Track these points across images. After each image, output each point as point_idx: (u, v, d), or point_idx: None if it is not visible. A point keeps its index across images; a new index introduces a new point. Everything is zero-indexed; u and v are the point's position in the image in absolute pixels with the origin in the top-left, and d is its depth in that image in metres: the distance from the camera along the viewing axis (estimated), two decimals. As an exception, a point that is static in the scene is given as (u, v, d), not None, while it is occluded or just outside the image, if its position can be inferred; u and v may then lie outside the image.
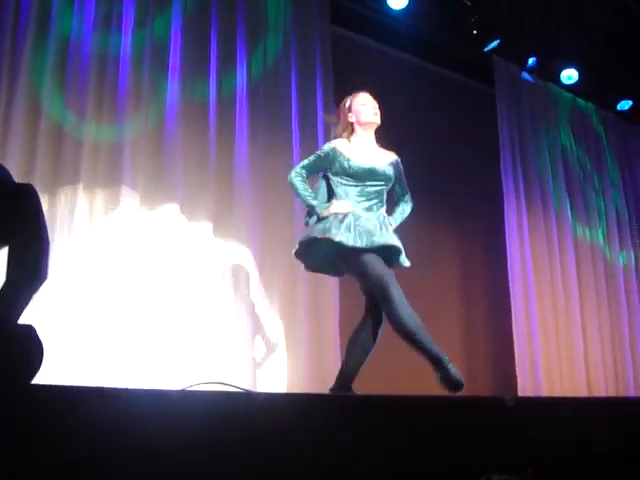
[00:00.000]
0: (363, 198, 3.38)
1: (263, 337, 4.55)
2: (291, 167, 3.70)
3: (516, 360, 5.65)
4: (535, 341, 5.86)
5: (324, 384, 3.61)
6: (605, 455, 3.32)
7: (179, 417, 1.83)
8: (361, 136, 3.50)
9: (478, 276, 5.39)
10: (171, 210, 4.33)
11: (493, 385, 5.47)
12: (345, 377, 3.36)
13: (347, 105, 3.53)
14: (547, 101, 6.77)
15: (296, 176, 3.45)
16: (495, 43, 6.25)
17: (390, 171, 3.48)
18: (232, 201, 4.63)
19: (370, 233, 3.23)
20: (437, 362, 3.12)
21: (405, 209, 3.62)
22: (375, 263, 3.17)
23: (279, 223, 4.75)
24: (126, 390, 1.98)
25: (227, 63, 4.81)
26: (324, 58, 5.27)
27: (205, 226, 4.47)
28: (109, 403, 1.73)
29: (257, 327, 4.51)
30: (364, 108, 3.51)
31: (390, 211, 3.55)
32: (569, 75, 6.76)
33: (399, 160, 3.59)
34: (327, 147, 3.46)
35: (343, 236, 3.18)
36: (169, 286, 4.21)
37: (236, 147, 4.73)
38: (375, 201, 3.40)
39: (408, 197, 3.64)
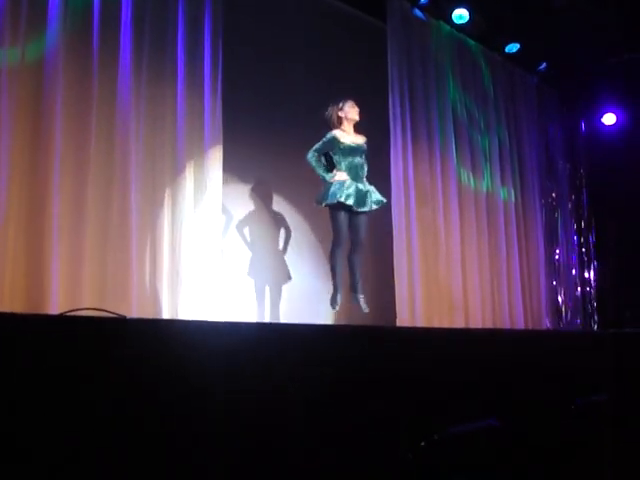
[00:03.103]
0: (352, 168, 5.12)
1: None
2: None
3: (396, 295, 5.83)
4: (415, 276, 6.05)
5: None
6: (481, 385, 3.51)
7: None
8: (346, 126, 5.23)
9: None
10: (49, 138, 4.13)
11: (373, 318, 5.62)
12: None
13: (340, 106, 5.24)
14: (437, 40, 6.83)
15: (312, 156, 5.13)
16: (388, -22, 6.21)
17: (365, 147, 5.24)
18: (113, 131, 4.48)
19: (352, 195, 5.02)
20: (335, 289, 5.13)
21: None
22: (338, 218, 5.07)
23: (161, 152, 4.72)
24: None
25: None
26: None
27: (84, 157, 4.31)
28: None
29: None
30: (350, 109, 5.25)
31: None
32: (460, 15, 6.82)
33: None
34: (330, 135, 5.15)
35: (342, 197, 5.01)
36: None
37: (119, 74, 4.54)
38: (360, 170, 5.16)
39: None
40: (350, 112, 5.24)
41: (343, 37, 6.34)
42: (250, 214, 5.71)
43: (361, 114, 5.31)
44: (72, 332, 1.92)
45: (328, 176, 5.10)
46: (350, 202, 5.00)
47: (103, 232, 4.36)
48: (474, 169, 7.01)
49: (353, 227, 5.14)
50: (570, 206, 8.59)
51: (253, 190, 5.73)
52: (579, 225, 8.66)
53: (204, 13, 5.01)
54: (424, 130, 6.48)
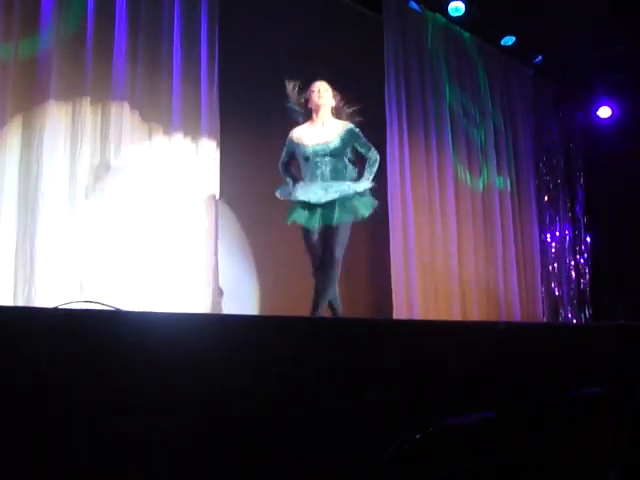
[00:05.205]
0: (315, 174, 4.05)
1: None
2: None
3: (392, 287, 5.83)
4: (411, 269, 6.05)
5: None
6: (478, 377, 3.51)
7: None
8: (314, 117, 4.17)
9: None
10: (53, 130, 4.13)
11: (370, 312, 5.63)
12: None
13: (307, 92, 4.16)
14: (433, 32, 6.82)
15: (280, 168, 4.26)
16: (384, -30, 6.19)
17: (337, 143, 4.08)
18: (108, 126, 4.46)
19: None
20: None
21: (372, 161, 4.23)
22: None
23: (158, 143, 4.71)
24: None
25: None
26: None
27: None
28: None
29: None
30: (311, 94, 4.16)
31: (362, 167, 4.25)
32: (456, 7, 6.80)
33: (352, 127, 4.17)
34: (288, 138, 4.21)
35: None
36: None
37: (113, 66, 4.53)
38: (328, 172, 4.07)
39: (372, 151, 4.24)
40: (311, 98, 4.18)
41: (339, 28, 6.31)
42: (247, 205, 5.70)
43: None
44: (67, 325, 1.92)
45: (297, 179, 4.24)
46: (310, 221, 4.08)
47: (97, 226, 4.36)
48: (470, 160, 7.01)
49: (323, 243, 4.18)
50: (565, 197, 8.59)
51: (251, 181, 5.71)
52: (574, 216, 8.66)
53: (200, 2, 4.99)
54: (420, 121, 6.48)
